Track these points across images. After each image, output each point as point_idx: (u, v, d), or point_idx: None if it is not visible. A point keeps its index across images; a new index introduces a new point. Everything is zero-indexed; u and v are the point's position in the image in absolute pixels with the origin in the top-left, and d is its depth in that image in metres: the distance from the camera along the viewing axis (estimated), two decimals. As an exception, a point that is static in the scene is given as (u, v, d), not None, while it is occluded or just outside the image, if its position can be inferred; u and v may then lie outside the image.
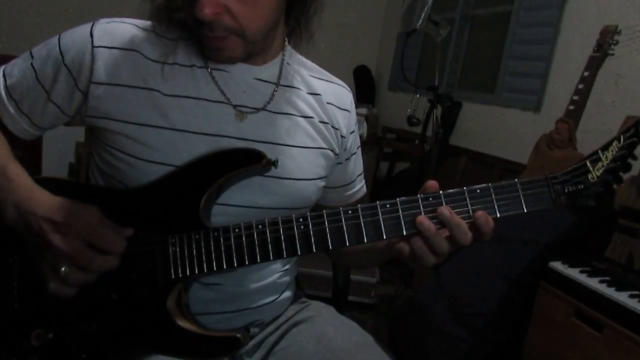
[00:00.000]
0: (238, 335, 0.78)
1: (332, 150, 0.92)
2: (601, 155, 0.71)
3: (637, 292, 1.52)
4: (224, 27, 0.75)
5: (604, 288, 1.57)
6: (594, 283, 1.60)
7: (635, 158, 0.72)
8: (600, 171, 0.71)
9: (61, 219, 0.74)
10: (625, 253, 1.80)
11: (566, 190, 0.71)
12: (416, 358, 2.00)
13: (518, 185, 0.71)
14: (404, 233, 0.72)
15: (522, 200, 0.71)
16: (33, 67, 0.82)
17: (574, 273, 1.68)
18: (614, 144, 0.71)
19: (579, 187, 0.71)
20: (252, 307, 0.89)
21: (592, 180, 0.71)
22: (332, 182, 0.97)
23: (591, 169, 0.71)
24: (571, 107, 2.21)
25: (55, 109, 0.83)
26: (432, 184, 0.74)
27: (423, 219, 0.71)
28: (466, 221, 0.71)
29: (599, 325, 1.56)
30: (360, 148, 1.02)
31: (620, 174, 0.71)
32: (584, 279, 1.64)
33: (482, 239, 0.72)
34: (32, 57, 0.83)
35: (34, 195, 0.77)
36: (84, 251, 0.73)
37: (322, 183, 0.92)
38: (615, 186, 0.70)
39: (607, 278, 1.62)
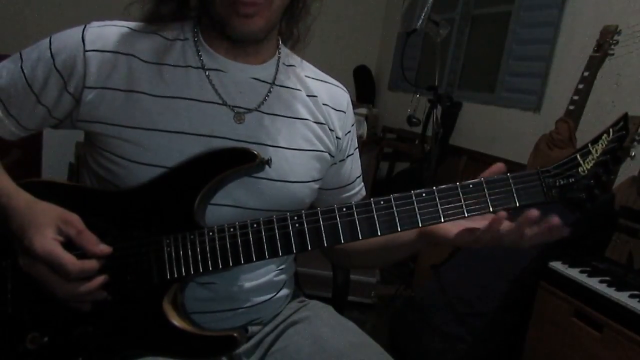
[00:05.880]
0: (235, 335, 0.78)
1: (327, 152, 0.92)
2: (591, 148, 0.71)
3: (637, 292, 1.52)
4: None
5: (604, 288, 1.56)
6: (594, 283, 1.60)
7: (623, 150, 0.72)
8: (591, 164, 0.71)
9: (26, 240, 0.71)
10: (625, 253, 1.80)
11: (557, 183, 0.71)
12: (416, 358, 2.00)
13: (510, 179, 0.71)
14: (399, 229, 0.72)
15: (515, 194, 0.71)
16: (22, 70, 0.81)
17: (574, 273, 1.68)
18: (603, 137, 0.72)
19: (570, 180, 0.71)
20: (249, 306, 0.89)
21: (582, 174, 0.71)
22: (328, 183, 0.97)
23: (582, 162, 0.71)
24: (571, 107, 2.20)
25: (44, 111, 0.82)
26: (498, 167, 0.74)
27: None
28: (463, 215, 0.72)
29: (599, 325, 1.56)
30: (357, 150, 1.02)
31: (610, 166, 0.71)
32: (584, 278, 1.63)
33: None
34: (22, 59, 0.82)
35: (10, 203, 0.76)
36: (47, 277, 0.72)
37: (316, 185, 0.92)
38: (605, 179, 0.71)
39: (607, 278, 1.61)
